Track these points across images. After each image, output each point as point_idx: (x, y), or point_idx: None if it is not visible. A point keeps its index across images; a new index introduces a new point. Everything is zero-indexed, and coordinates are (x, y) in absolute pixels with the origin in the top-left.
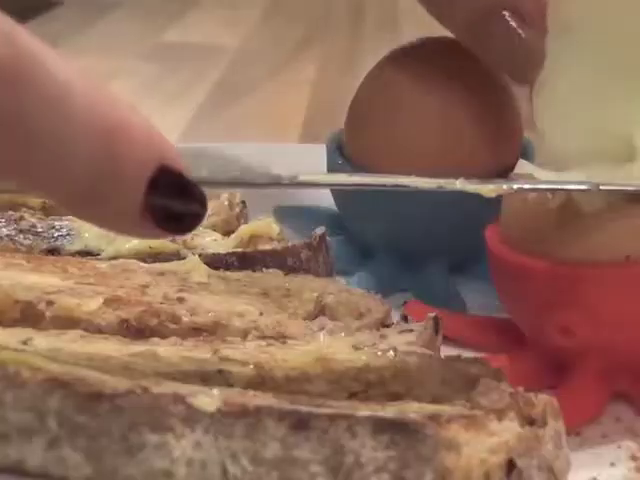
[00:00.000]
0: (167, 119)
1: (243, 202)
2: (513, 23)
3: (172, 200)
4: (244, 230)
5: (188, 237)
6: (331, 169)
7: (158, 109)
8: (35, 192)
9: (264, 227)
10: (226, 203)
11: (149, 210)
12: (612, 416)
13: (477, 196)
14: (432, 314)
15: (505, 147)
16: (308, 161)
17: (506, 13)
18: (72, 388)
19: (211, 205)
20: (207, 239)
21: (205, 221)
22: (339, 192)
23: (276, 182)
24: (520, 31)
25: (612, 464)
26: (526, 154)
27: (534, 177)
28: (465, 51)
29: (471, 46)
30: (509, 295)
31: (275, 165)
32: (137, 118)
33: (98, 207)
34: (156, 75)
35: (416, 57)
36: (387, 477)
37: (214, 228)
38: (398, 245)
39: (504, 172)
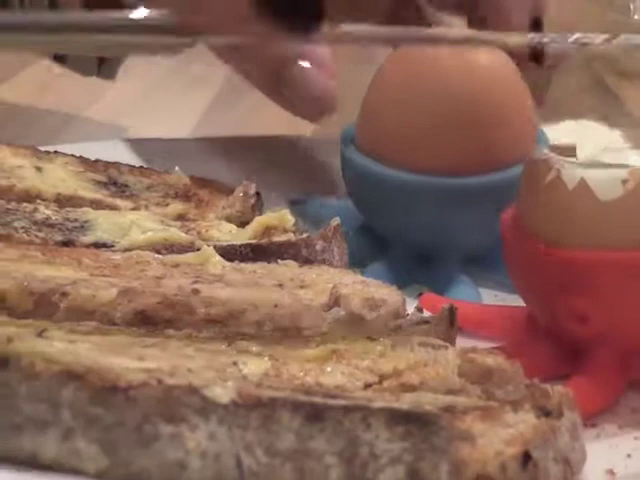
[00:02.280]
0: (181, 111)
1: (258, 193)
2: (308, 70)
3: None
4: (259, 221)
5: (202, 228)
6: (344, 161)
7: (172, 101)
8: None
9: (279, 218)
10: (241, 194)
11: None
12: (628, 407)
13: (491, 188)
14: (447, 305)
15: (518, 136)
16: (321, 153)
17: (301, 61)
18: (86, 380)
19: (226, 197)
20: (222, 231)
21: (219, 212)
22: (353, 184)
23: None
24: (314, 77)
25: (628, 455)
26: (540, 142)
27: (549, 162)
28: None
29: (270, 96)
30: (524, 282)
31: (289, 157)
32: None
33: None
34: (170, 67)
35: (427, 51)
36: (402, 469)
37: (229, 220)
38: (413, 237)
39: (518, 161)
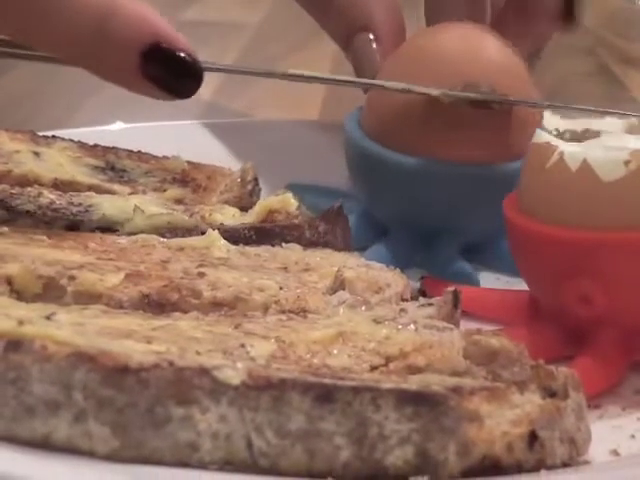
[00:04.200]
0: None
1: (256, 179)
2: (370, 42)
3: (166, 71)
4: (262, 205)
5: (206, 212)
6: (349, 144)
7: None
8: (43, 49)
9: (282, 202)
10: (239, 180)
11: (146, 76)
12: (632, 389)
13: (492, 174)
14: (451, 288)
15: (523, 125)
16: (327, 137)
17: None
18: (98, 362)
19: (224, 182)
20: (225, 214)
21: (217, 197)
22: (357, 168)
23: (269, 72)
24: (373, 48)
25: (632, 436)
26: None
27: (552, 145)
28: (481, 35)
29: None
30: (527, 265)
31: (294, 140)
32: (131, 3)
33: (97, 65)
34: None
35: (431, 43)
36: (410, 449)
37: (227, 204)
38: (414, 221)
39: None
